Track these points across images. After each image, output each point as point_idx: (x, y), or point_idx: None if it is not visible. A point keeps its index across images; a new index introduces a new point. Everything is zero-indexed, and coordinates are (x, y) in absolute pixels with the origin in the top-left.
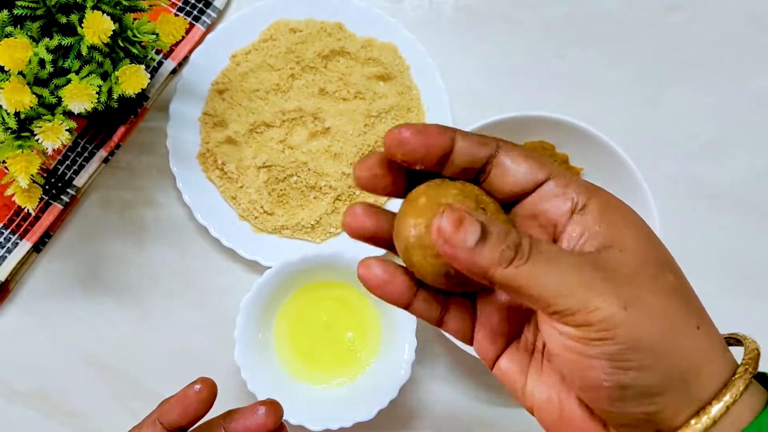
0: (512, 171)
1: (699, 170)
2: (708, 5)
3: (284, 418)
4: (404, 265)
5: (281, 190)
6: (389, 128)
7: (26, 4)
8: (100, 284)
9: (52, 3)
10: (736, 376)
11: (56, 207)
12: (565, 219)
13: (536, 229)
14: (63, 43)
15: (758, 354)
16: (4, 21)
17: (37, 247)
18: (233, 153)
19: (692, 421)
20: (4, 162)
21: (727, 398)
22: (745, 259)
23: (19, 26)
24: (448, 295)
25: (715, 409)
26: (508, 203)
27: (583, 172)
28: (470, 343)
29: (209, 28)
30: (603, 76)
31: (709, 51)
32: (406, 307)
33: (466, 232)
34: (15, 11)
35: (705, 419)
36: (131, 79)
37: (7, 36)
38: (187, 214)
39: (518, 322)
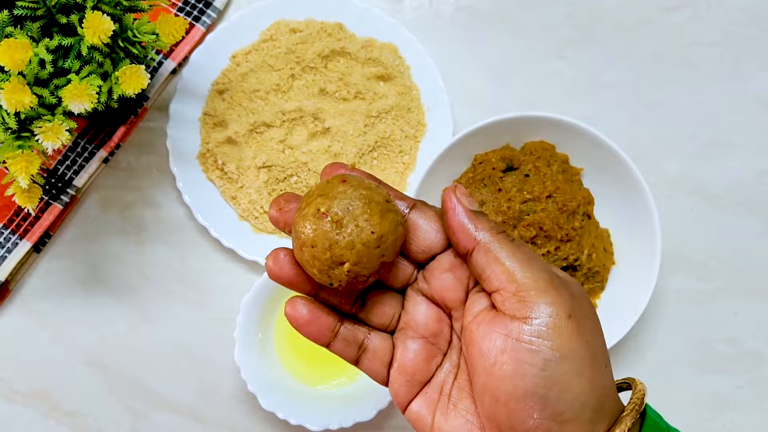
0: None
1: (699, 170)
2: (708, 5)
3: (284, 418)
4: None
5: (281, 190)
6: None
7: (26, 4)
8: (100, 284)
9: (53, 3)
10: (624, 413)
11: (56, 207)
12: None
13: (453, 281)
14: (63, 43)
15: (644, 394)
16: (5, 21)
17: (37, 247)
18: (233, 153)
19: None
20: (4, 162)
21: None
22: (745, 259)
23: (19, 26)
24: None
25: None
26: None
27: (583, 172)
28: (385, 384)
29: (209, 29)
30: (603, 76)
31: (709, 51)
32: (327, 345)
33: (473, 200)
34: (15, 11)
35: None
36: (131, 80)
37: (7, 36)
38: (187, 214)
39: (431, 362)
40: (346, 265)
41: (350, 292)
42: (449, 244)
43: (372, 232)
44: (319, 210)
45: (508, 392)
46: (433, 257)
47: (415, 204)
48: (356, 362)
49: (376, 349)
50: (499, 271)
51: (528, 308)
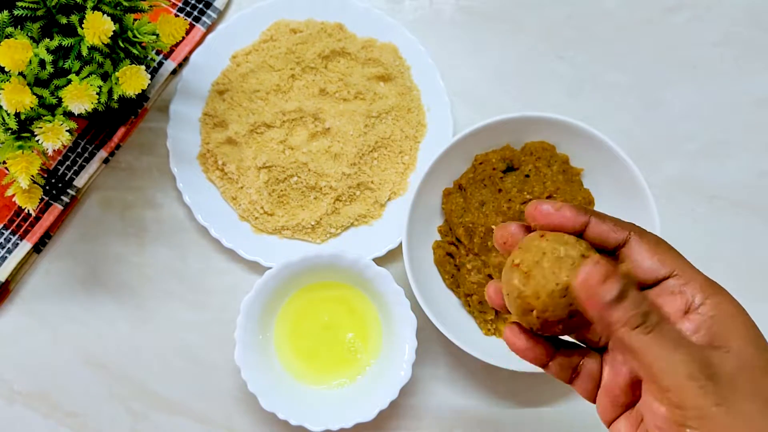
0: (637, 264)
1: (699, 170)
2: (708, 5)
3: (284, 418)
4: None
5: (281, 190)
6: (531, 201)
7: (27, 4)
8: (100, 285)
9: (53, 3)
10: None
11: (56, 207)
12: (678, 316)
13: None
14: (63, 43)
15: None
16: (5, 21)
17: (38, 248)
18: (233, 153)
19: None
20: (4, 163)
21: None
22: (745, 259)
23: (19, 27)
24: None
25: None
26: None
27: (583, 173)
28: (593, 401)
29: (209, 29)
30: (603, 76)
31: (709, 51)
32: (544, 366)
33: (608, 287)
34: (15, 12)
35: None
36: (131, 80)
37: (7, 37)
38: (188, 214)
39: (637, 391)
40: (535, 312)
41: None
42: (661, 279)
43: (557, 284)
44: (513, 261)
45: None
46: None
47: (631, 234)
48: (570, 382)
49: (590, 373)
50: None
51: (674, 397)
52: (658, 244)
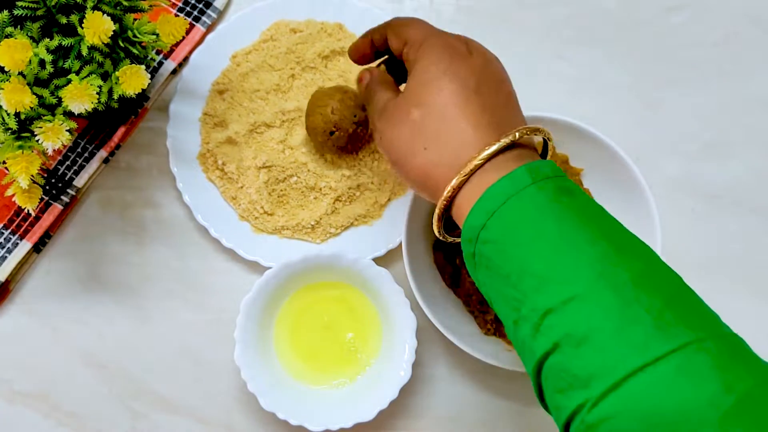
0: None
1: (699, 170)
2: (708, 5)
3: (284, 418)
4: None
5: (281, 190)
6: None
7: (26, 4)
8: (100, 284)
9: (53, 3)
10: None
11: (56, 207)
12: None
13: None
14: (63, 43)
15: (530, 138)
16: (5, 21)
17: (37, 248)
18: (233, 153)
19: (453, 181)
20: (4, 162)
21: (477, 160)
22: (745, 259)
23: (19, 27)
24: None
25: (469, 167)
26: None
27: (583, 173)
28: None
29: (209, 29)
30: (603, 76)
31: (709, 51)
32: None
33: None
34: (15, 12)
35: (459, 175)
36: (131, 80)
37: (7, 36)
38: (187, 214)
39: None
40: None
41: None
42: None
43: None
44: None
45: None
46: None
47: (388, 25)
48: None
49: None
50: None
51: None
52: (401, 26)
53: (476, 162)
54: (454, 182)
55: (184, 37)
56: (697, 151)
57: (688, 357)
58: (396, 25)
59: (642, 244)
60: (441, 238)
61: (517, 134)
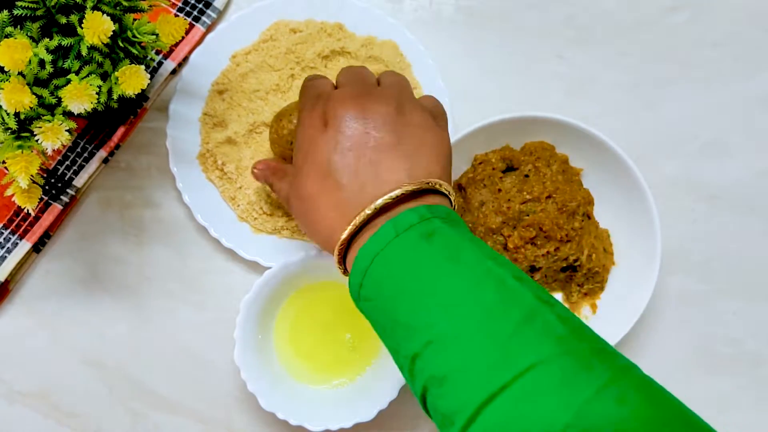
0: None
1: (699, 170)
2: (708, 5)
3: (284, 418)
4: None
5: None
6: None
7: (26, 4)
8: (99, 284)
9: (52, 3)
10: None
11: (56, 207)
12: None
13: None
14: (63, 43)
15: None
16: (4, 21)
17: (37, 248)
18: (233, 153)
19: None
20: (3, 162)
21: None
22: (744, 259)
23: (19, 27)
24: None
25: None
26: None
27: (583, 172)
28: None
29: (209, 29)
30: (603, 76)
31: (709, 51)
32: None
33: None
34: (15, 12)
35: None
36: (131, 80)
37: (7, 36)
38: (187, 214)
39: None
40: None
41: None
42: None
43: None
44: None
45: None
46: None
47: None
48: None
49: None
50: None
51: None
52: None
53: (340, 244)
54: (335, 263)
55: (183, 37)
56: (697, 151)
57: (530, 380)
58: (301, 88)
59: (502, 270)
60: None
61: (371, 208)
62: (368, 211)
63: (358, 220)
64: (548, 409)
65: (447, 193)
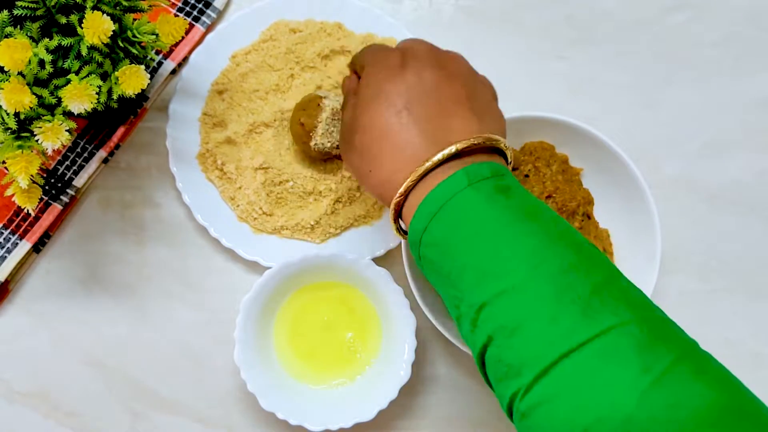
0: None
1: (699, 170)
2: (708, 5)
3: (284, 418)
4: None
5: (278, 193)
6: None
7: (26, 4)
8: (99, 284)
9: (52, 3)
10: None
11: (56, 207)
12: None
13: None
14: (63, 43)
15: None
16: (4, 21)
17: (37, 248)
18: (233, 153)
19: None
20: (3, 162)
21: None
22: (744, 259)
23: (18, 26)
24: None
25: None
26: None
27: (583, 172)
28: None
29: (209, 29)
30: (603, 76)
31: (709, 51)
32: None
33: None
34: (15, 12)
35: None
36: (131, 80)
37: (7, 36)
38: (187, 214)
39: None
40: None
41: None
42: None
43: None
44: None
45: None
46: None
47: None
48: None
49: None
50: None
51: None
52: (356, 57)
53: (407, 183)
54: (393, 202)
55: (183, 37)
56: (697, 151)
57: (611, 341)
58: (354, 58)
59: (576, 236)
60: (397, 234)
61: (454, 148)
62: (440, 156)
63: (429, 163)
64: (628, 371)
65: (508, 157)
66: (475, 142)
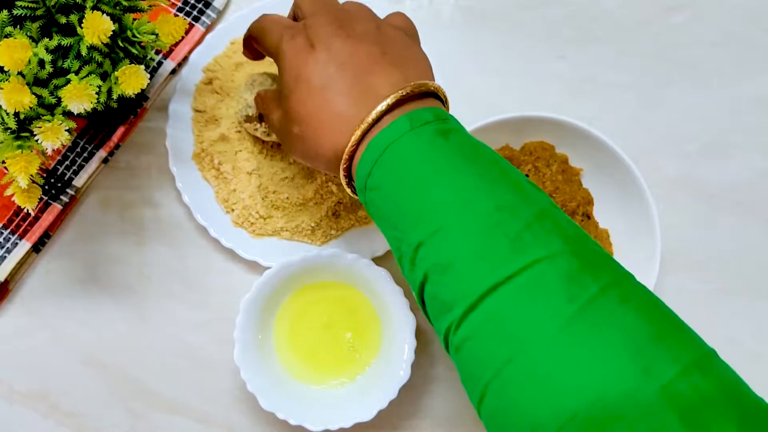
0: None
1: (699, 170)
2: (708, 5)
3: (284, 418)
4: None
5: (273, 200)
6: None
7: (26, 4)
8: (99, 284)
9: (52, 3)
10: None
11: (56, 207)
12: None
13: None
14: (63, 43)
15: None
16: (4, 21)
17: (37, 247)
18: (229, 152)
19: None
20: (3, 162)
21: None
22: (744, 259)
23: (18, 26)
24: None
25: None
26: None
27: (583, 172)
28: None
29: (209, 29)
30: (603, 76)
31: (709, 51)
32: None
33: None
34: (15, 11)
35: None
36: (131, 80)
37: (6, 36)
38: (187, 214)
39: None
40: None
41: None
42: None
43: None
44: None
45: None
46: None
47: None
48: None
49: None
50: None
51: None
52: (259, 35)
53: (349, 148)
54: (341, 168)
55: (183, 37)
56: (697, 151)
57: (538, 273)
58: (254, 32)
59: (517, 176)
60: (352, 195)
61: (384, 103)
62: (373, 115)
63: (365, 124)
64: (552, 301)
65: (443, 98)
66: (403, 93)
